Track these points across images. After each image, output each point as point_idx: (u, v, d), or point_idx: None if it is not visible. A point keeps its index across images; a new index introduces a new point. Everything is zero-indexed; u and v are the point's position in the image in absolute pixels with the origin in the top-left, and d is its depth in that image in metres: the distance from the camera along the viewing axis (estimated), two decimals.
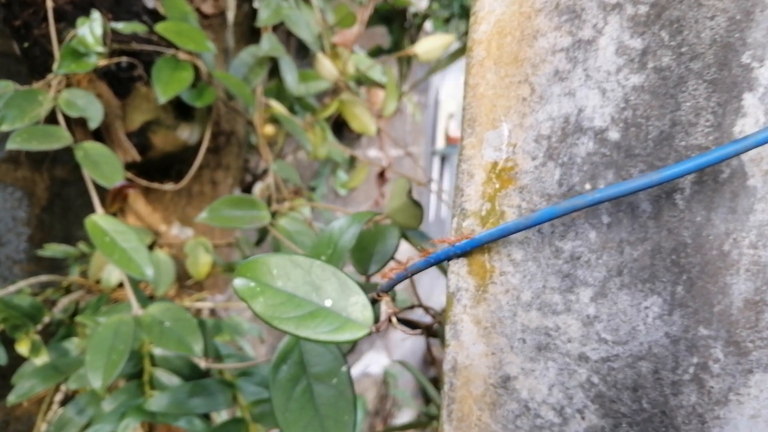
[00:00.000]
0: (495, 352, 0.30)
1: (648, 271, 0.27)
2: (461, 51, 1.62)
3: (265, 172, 1.23)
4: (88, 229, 0.65)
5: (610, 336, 0.28)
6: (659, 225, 0.27)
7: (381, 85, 1.29)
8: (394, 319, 0.30)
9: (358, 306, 0.29)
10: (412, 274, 0.32)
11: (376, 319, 0.30)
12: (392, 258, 0.50)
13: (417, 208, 0.48)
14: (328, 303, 0.29)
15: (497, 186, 0.29)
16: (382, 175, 1.42)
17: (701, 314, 0.27)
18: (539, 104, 0.28)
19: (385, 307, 0.30)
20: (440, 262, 0.30)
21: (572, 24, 0.27)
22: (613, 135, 0.27)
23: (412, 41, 1.79)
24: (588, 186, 0.28)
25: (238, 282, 0.30)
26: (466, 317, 0.31)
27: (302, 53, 1.26)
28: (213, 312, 1.15)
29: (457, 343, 0.31)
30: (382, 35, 1.90)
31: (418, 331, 0.31)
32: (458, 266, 0.31)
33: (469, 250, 0.30)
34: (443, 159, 3.08)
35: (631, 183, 0.25)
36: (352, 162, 1.35)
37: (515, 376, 0.30)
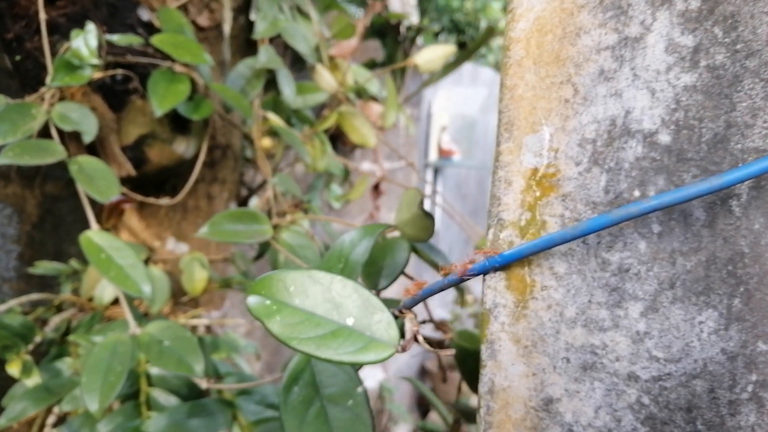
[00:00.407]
0: (536, 373, 0.28)
1: (702, 283, 0.26)
2: (454, 64, 1.62)
3: (261, 185, 1.21)
4: (83, 245, 0.63)
5: (662, 353, 0.26)
6: (714, 234, 0.25)
7: (376, 99, 1.28)
8: (420, 338, 0.28)
9: (383, 324, 0.27)
10: (440, 290, 0.30)
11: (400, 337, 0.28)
12: (402, 272, 0.48)
13: (428, 219, 0.46)
14: (350, 321, 0.27)
15: (538, 194, 0.27)
16: (376, 188, 1.40)
17: (760, 328, 0.25)
18: (583, 106, 0.27)
19: (410, 325, 0.28)
20: (475, 276, 0.28)
21: (618, 20, 0.26)
22: (664, 138, 0.26)
23: (406, 54, 1.79)
24: (637, 193, 0.26)
25: (252, 300, 0.28)
26: (505, 336, 0.29)
27: (297, 66, 1.24)
28: (209, 329, 1.12)
29: (495, 363, 0.29)
30: (374, 49, 1.89)
31: (449, 351, 0.29)
32: (495, 281, 0.29)
33: (508, 264, 0.28)
34: (436, 171, 3.07)
35: (689, 189, 0.23)
36: (346, 176, 1.33)
37: (558, 398, 0.28)
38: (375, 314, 0.27)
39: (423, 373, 3.09)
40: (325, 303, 0.27)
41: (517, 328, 0.28)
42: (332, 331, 0.27)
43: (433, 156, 2.99)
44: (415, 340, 0.28)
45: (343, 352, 0.26)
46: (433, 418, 2.88)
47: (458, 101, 3.23)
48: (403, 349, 0.27)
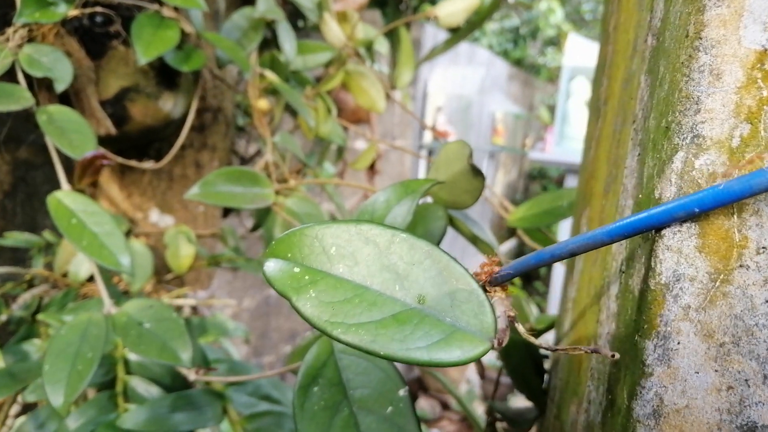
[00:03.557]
0: (733, 386, 0.19)
1: None
2: (457, 37, 1.52)
3: (255, 155, 1.12)
4: (51, 209, 0.53)
5: None
6: None
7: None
8: (520, 327, 0.19)
9: (472, 305, 0.18)
10: (560, 259, 0.21)
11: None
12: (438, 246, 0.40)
13: (478, 178, 0.37)
14: (420, 301, 0.19)
15: (765, 93, 0.18)
16: (372, 168, 1.31)
17: None
18: None
19: (502, 308, 0.20)
20: (646, 231, 0.19)
21: None
22: None
23: (407, 26, 1.69)
24: None
25: (273, 267, 0.19)
26: (689, 326, 0.20)
27: (295, 26, 1.15)
28: (195, 310, 1.04)
29: (668, 370, 0.20)
30: (371, 21, 1.80)
31: (575, 346, 0.20)
32: (680, 238, 0.20)
33: (707, 211, 0.19)
34: (430, 153, 2.98)
35: None
36: (340, 153, 1.24)
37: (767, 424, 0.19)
38: (458, 291, 0.18)
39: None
40: (383, 272, 0.19)
41: (710, 315, 0.19)
42: (395, 314, 0.18)
43: (428, 137, 2.91)
44: (512, 328, 0.19)
45: (414, 346, 0.17)
46: (422, 404, 2.82)
47: (455, 81, 3.14)
48: (500, 344, 0.18)
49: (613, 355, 0.17)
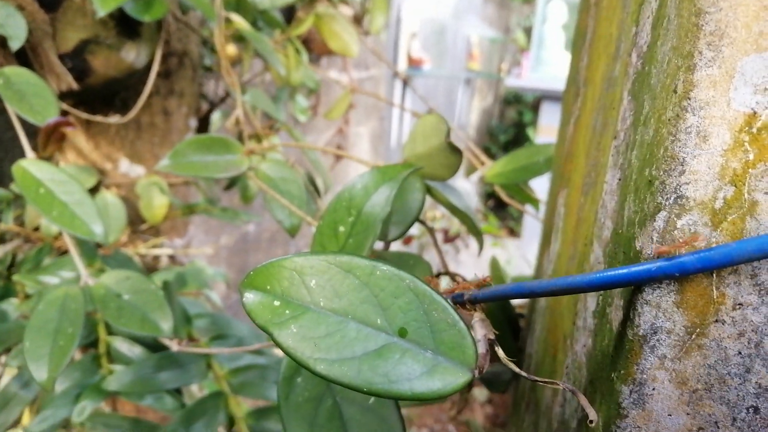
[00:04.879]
0: (704, 427, 0.20)
1: None
2: None
3: (224, 98, 1.09)
4: (16, 178, 0.52)
5: None
6: None
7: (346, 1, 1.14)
8: (500, 351, 0.20)
9: (452, 336, 0.19)
10: (538, 296, 0.21)
11: None
12: (417, 219, 0.40)
13: (455, 155, 0.37)
14: (398, 334, 0.19)
15: (751, 157, 0.18)
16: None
17: None
18: None
19: (482, 331, 0.20)
20: (626, 286, 0.19)
21: None
22: None
23: None
24: None
25: (251, 298, 0.19)
26: (664, 375, 0.21)
27: None
28: (173, 258, 1.03)
29: (642, 413, 0.21)
30: None
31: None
32: (660, 294, 0.20)
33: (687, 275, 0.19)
34: (405, 82, 2.93)
35: None
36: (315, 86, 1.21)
37: None
38: (439, 322, 0.19)
39: None
40: (364, 304, 0.19)
41: (685, 365, 0.20)
42: (377, 349, 0.18)
43: (402, 65, 2.84)
44: (492, 353, 0.20)
45: (397, 381, 0.18)
46: None
47: (429, 4, 3.04)
48: (480, 371, 0.19)
49: (590, 421, 0.17)
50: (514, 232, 4.19)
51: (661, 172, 0.20)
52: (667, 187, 0.20)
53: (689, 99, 0.19)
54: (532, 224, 3.34)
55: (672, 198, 0.20)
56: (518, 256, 2.95)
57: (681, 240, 0.19)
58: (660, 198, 0.20)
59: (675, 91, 0.20)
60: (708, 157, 0.19)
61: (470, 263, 2.93)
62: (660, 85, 0.20)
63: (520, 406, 0.42)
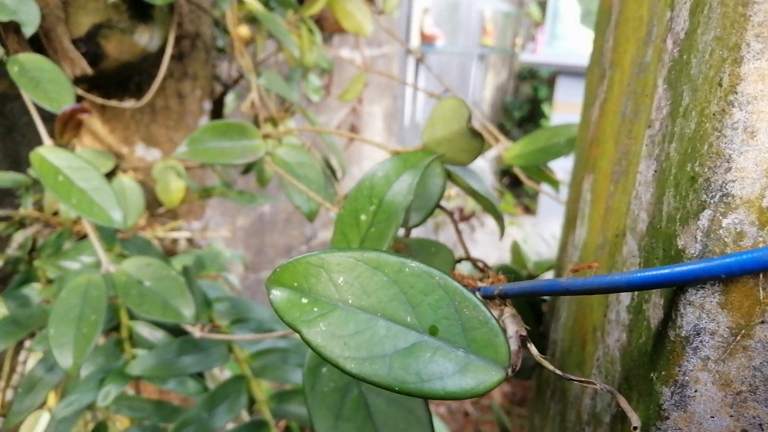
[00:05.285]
0: (748, 429, 0.20)
1: None
2: None
3: (238, 80, 1.08)
4: (35, 166, 0.52)
5: None
6: None
7: None
8: (533, 348, 0.19)
9: (484, 334, 0.18)
10: (572, 293, 0.21)
11: None
12: (438, 205, 0.39)
13: (477, 139, 0.36)
14: (429, 332, 0.18)
15: None
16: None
17: None
18: None
19: (513, 327, 0.20)
20: (668, 287, 0.19)
21: None
22: None
23: None
24: None
25: (279, 295, 0.19)
26: (707, 376, 0.20)
27: None
28: (191, 241, 1.04)
29: (684, 415, 0.20)
30: None
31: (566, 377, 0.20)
32: (703, 295, 0.20)
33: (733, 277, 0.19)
34: (418, 60, 2.90)
35: None
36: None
37: None
38: (471, 319, 0.18)
39: None
40: (394, 302, 0.18)
41: (729, 367, 0.20)
42: (408, 347, 0.18)
43: (415, 41, 2.81)
44: (524, 348, 0.19)
45: (429, 380, 0.17)
46: None
47: None
48: (514, 369, 0.18)
49: (635, 428, 0.17)
50: (529, 210, 4.16)
51: (706, 169, 0.19)
52: (712, 184, 0.19)
53: (736, 93, 0.19)
54: (547, 202, 3.32)
55: (717, 196, 0.19)
56: (534, 234, 2.93)
57: (727, 241, 0.18)
58: (704, 195, 0.19)
59: (720, 84, 0.19)
60: (755, 153, 0.19)
61: (485, 241, 2.93)
62: (702, 76, 0.20)
63: (545, 393, 0.41)
